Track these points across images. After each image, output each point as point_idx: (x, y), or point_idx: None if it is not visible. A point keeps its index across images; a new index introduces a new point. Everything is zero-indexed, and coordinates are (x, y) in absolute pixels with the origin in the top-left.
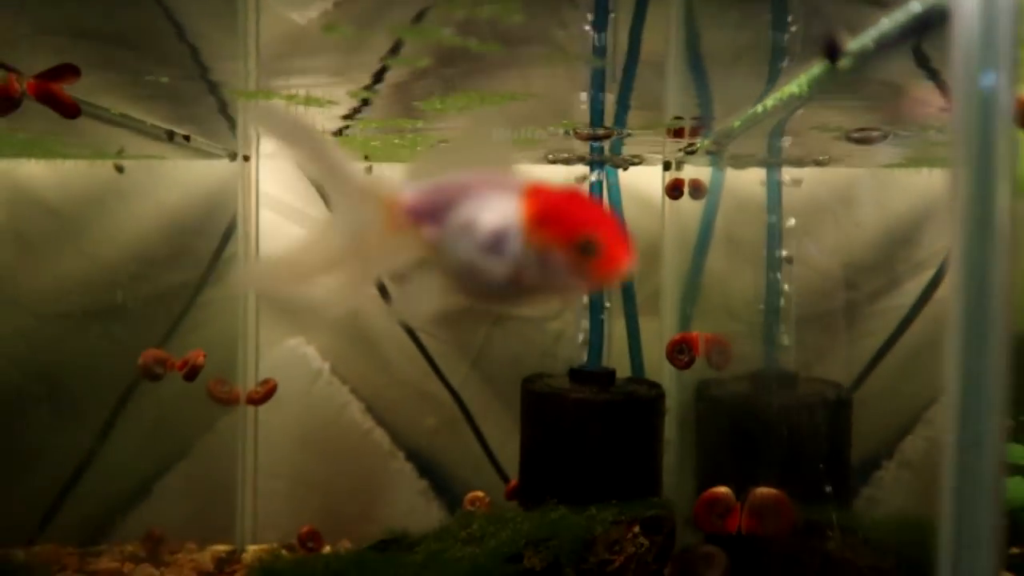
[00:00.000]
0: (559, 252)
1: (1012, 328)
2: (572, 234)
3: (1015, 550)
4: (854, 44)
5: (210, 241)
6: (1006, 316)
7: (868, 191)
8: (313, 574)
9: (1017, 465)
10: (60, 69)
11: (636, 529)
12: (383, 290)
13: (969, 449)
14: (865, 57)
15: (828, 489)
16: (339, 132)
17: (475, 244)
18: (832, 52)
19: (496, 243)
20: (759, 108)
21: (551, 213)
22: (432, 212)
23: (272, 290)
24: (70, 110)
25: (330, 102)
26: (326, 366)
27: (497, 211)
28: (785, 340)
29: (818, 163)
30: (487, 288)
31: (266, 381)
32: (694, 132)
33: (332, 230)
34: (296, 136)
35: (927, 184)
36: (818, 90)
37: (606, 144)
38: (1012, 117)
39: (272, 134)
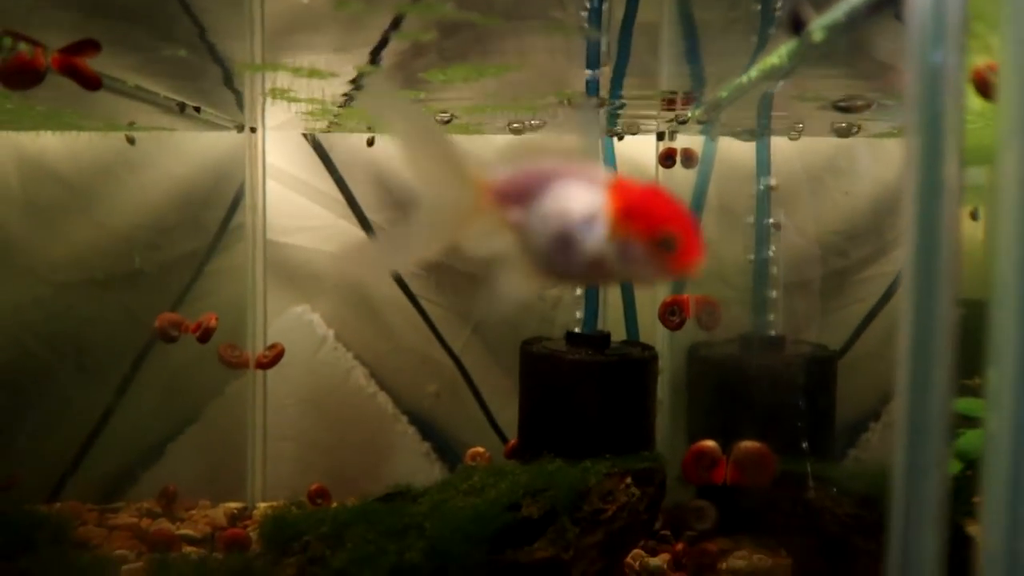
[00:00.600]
0: (639, 245)
1: (960, 286)
2: (654, 229)
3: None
4: (824, 19)
5: (218, 211)
6: (955, 276)
7: (856, 160)
8: (322, 523)
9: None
10: (82, 44)
11: (628, 480)
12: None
13: (918, 402)
14: (836, 30)
15: (809, 444)
16: (344, 104)
17: (560, 231)
18: (797, 25)
19: (580, 232)
20: (744, 79)
21: (635, 208)
22: (519, 196)
23: (378, 271)
24: (92, 82)
25: (332, 74)
26: (330, 332)
27: (582, 201)
28: (774, 305)
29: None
30: (566, 273)
31: (273, 345)
32: (686, 102)
33: (428, 209)
34: (403, 113)
35: None
36: (798, 61)
37: (602, 114)
38: (960, 91)
39: (381, 110)
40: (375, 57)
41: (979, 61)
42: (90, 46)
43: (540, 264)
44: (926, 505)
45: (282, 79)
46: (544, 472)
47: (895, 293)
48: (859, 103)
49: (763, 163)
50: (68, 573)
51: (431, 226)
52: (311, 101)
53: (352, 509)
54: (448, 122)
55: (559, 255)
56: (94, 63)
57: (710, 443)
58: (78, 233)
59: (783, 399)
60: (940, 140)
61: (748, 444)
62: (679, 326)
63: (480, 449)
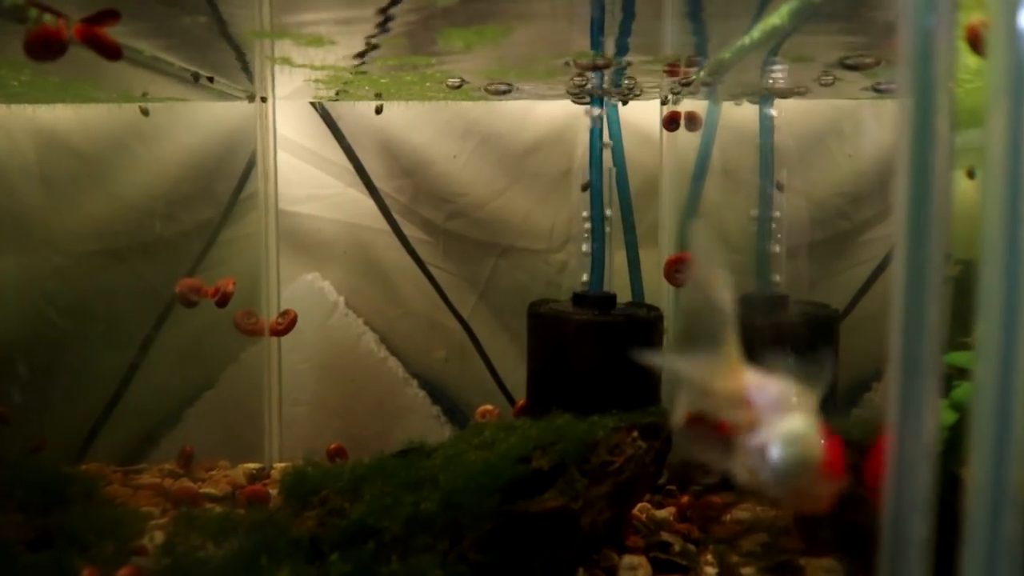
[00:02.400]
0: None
1: (949, 240)
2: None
3: None
4: None
5: (230, 181)
6: (945, 232)
7: (859, 122)
8: (340, 478)
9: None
10: (102, 14)
11: (635, 434)
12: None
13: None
14: None
15: None
16: (355, 69)
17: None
18: None
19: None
20: (746, 40)
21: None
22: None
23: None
24: (113, 52)
25: (331, 42)
26: (341, 299)
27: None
28: (777, 265)
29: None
30: (761, 482)
31: (286, 312)
32: (690, 65)
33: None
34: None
35: None
36: (800, 20)
37: (607, 76)
38: (952, 53)
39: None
40: (383, 23)
41: (973, 17)
42: (110, 16)
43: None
44: (921, 443)
45: (288, 48)
46: (553, 426)
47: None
48: (867, 60)
49: (766, 126)
50: (99, 526)
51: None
52: (323, 68)
53: (368, 464)
54: (459, 87)
55: (767, 473)
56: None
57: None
58: (94, 205)
59: (785, 355)
60: (931, 102)
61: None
62: (685, 283)
63: (489, 407)
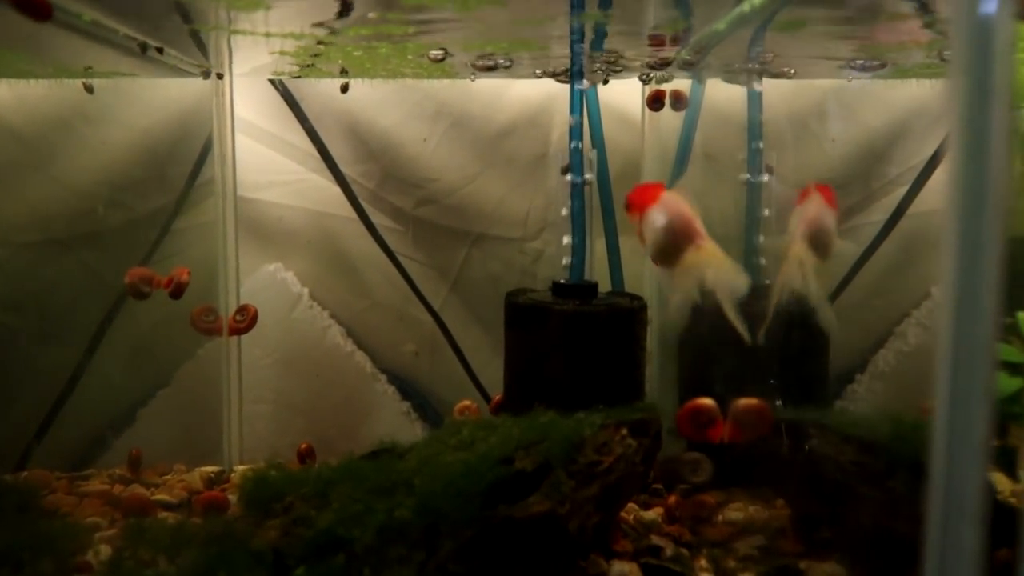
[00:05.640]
0: None
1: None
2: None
3: (996, 442)
4: None
5: (184, 165)
6: (999, 225)
7: (845, 105)
8: (305, 482)
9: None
10: None
11: (624, 431)
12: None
13: (964, 346)
14: None
15: (803, 392)
16: (322, 40)
17: None
18: None
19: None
20: (736, 13)
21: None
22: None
23: None
24: (42, 10)
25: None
26: (305, 291)
27: None
28: (762, 253)
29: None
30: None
31: (245, 308)
32: (673, 42)
33: None
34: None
35: (903, 99)
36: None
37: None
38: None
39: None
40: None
41: None
42: None
43: None
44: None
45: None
46: (536, 424)
47: (882, 243)
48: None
49: (754, 106)
50: (36, 542)
51: None
52: (288, 36)
53: (336, 468)
54: (442, 60)
55: None
56: None
57: (707, 401)
58: (35, 190)
59: (772, 347)
60: (988, 89)
61: (746, 401)
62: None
63: (468, 402)
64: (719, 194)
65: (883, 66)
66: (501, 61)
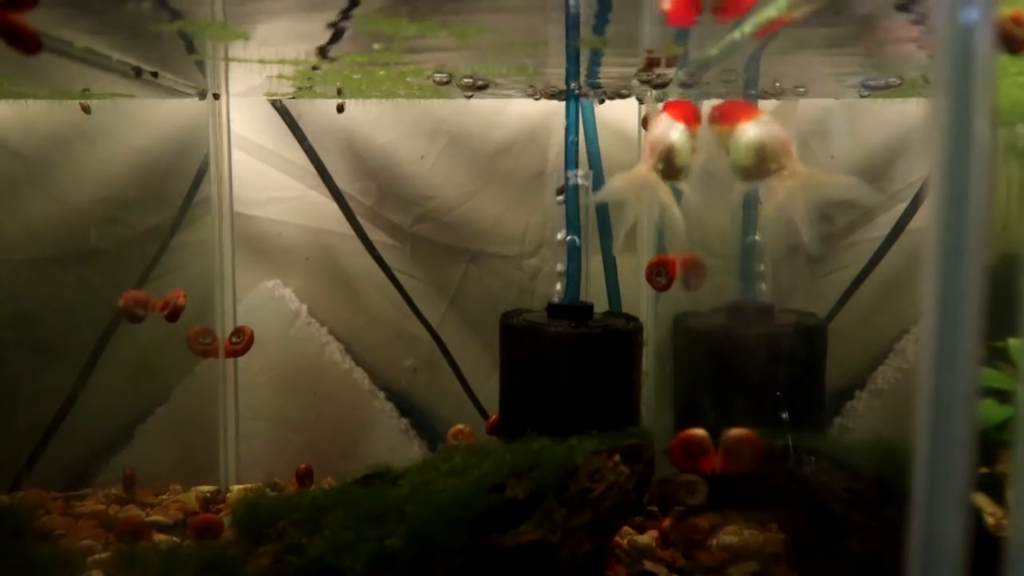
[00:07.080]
0: None
1: (988, 255)
2: None
3: (985, 469)
4: None
5: (182, 183)
6: (982, 242)
7: (842, 122)
8: (298, 507)
9: (989, 388)
10: None
11: (617, 458)
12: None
13: (944, 370)
14: None
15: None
16: (317, 66)
17: None
18: None
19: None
20: (736, 35)
21: None
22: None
23: None
24: (31, 44)
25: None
26: (303, 307)
27: None
28: (760, 273)
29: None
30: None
31: (241, 329)
32: (670, 64)
33: None
34: None
35: (901, 116)
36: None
37: (582, 71)
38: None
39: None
40: (345, 14)
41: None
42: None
43: None
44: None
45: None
46: (529, 451)
47: (881, 259)
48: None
49: None
50: (29, 568)
51: None
52: (282, 62)
53: (329, 493)
54: (447, 83)
55: None
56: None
57: (699, 432)
58: (33, 208)
59: (772, 369)
60: (969, 103)
61: (737, 432)
62: (666, 287)
63: (462, 426)
64: (717, 210)
65: (890, 85)
66: (482, 83)
